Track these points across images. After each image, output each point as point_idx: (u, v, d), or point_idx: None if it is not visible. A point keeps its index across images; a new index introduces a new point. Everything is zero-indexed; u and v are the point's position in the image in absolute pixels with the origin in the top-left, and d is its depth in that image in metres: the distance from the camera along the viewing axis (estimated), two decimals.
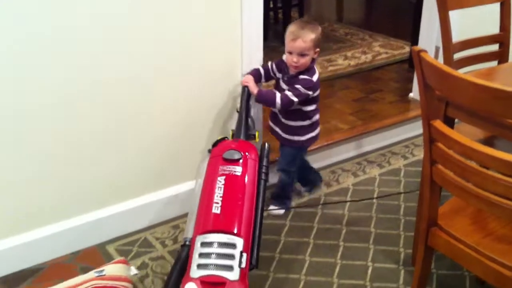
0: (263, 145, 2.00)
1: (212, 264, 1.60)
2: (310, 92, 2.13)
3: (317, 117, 2.26)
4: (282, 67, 2.22)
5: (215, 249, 1.63)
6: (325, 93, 3.45)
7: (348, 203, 2.42)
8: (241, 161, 1.85)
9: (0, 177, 1.92)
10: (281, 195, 2.38)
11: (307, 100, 2.16)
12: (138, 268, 2.03)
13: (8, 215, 1.99)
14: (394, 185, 2.55)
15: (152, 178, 2.27)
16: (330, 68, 3.79)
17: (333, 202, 2.43)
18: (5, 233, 1.99)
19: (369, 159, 2.79)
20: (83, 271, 2.01)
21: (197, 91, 2.21)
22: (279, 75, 2.24)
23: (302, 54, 2.07)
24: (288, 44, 2.08)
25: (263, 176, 1.89)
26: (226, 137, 2.06)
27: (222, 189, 1.75)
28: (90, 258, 2.10)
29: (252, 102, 2.19)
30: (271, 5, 4.62)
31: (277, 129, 2.29)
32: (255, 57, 2.28)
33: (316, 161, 2.66)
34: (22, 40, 1.79)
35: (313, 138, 2.30)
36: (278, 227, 2.27)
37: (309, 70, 2.14)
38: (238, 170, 1.81)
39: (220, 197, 1.73)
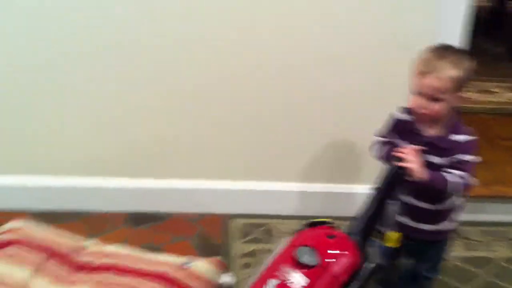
0: (367, 263, 1.31)
1: None
2: (474, 158, 1.43)
3: None
4: (402, 127, 1.50)
5: None
6: None
7: None
8: (312, 269, 1.25)
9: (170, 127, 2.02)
10: None
11: None
12: (248, 254, 1.92)
13: (162, 159, 2.07)
14: None
15: (304, 169, 2.10)
16: None
17: None
18: (146, 174, 2.08)
19: None
20: (198, 237, 2.00)
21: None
22: (401, 141, 1.49)
23: (434, 98, 1.38)
24: (415, 79, 1.41)
25: None
26: (332, 223, 1.42)
27: None
28: (211, 225, 2.06)
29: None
30: None
31: (406, 220, 1.51)
32: None
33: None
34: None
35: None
36: None
37: (458, 126, 1.44)
38: (299, 282, 1.23)
39: None
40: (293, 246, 1.30)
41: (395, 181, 1.37)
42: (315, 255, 1.25)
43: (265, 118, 2.01)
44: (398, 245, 1.39)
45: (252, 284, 1.32)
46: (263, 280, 1.27)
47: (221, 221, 2.08)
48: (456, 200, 1.48)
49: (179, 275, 1.61)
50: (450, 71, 1.36)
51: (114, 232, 1.98)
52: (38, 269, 1.61)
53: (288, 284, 1.23)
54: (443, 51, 1.41)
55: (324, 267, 1.25)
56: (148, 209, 2.09)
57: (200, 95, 1.96)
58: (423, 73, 1.38)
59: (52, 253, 1.67)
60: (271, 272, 1.27)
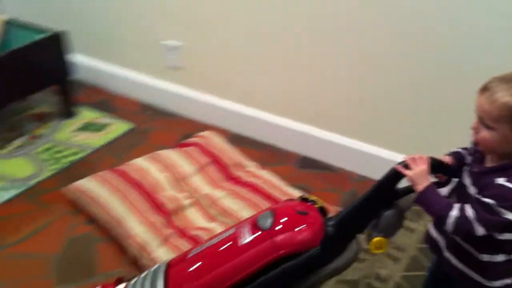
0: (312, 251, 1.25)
1: None
2: (510, 215, 1.11)
3: None
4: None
5: None
6: None
7: None
8: (261, 232, 1.26)
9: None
10: None
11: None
12: None
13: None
14: None
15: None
16: None
17: None
18: (330, 128, 2.27)
19: None
20: (349, 193, 2.12)
21: None
22: (468, 159, 1.27)
23: (485, 124, 1.13)
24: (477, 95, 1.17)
25: None
26: (319, 204, 1.34)
27: (213, 243, 1.32)
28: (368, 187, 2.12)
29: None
30: None
31: (447, 254, 1.27)
32: None
33: None
34: None
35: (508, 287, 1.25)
36: None
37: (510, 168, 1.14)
38: (244, 239, 1.27)
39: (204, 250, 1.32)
40: (267, 209, 1.34)
41: (389, 185, 1.24)
42: (272, 222, 1.26)
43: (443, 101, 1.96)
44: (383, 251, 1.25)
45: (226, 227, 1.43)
46: (229, 228, 1.36)
47: (347, 179, 2.17)
48: (493, 257, 1.19)
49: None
50: (508, 97, 1.09)
51: (281, 167, 2.25)
52: (201, 169, 2.01)
53: (237, 237, 1.28)
54: None
55: (272, 234, 1.24)
56: (321, 159, 2.30)
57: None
58: (481, 91, 1.15)
59: (217, 161, 2.04)
60: (240, 224, 1.34)
